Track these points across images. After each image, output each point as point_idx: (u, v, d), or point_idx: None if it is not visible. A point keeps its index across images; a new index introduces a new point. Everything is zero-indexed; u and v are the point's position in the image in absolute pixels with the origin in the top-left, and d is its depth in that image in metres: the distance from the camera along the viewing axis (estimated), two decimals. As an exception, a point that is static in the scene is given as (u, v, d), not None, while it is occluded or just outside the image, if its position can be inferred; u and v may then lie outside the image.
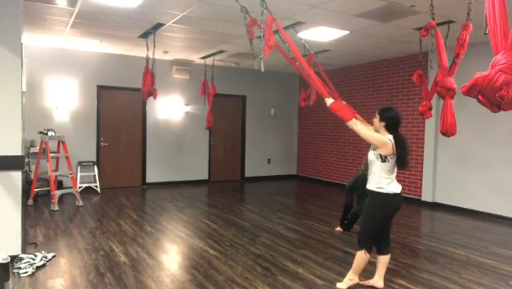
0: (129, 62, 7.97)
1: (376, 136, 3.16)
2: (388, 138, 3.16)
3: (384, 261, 3.40)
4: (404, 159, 3.18)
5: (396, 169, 3.24)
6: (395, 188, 3.21)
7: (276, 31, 3.70)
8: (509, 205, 5.93)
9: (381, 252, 3.40)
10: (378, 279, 3.41)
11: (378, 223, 3.26)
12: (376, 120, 3.25)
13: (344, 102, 4.07)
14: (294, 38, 5.94)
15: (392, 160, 3.16)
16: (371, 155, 3.24)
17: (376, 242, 3.37)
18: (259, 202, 7.12)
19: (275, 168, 10.24)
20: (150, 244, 4.51)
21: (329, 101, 3.17)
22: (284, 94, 10.16)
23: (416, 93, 7.19)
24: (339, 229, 5.24)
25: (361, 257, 3.28)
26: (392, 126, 3.19)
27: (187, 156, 8.93)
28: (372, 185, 3.25)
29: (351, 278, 3.39)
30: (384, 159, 3.15)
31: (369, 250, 3.27)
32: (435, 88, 3.85)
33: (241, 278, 3.54)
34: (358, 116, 3.53)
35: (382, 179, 3.18)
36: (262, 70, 3.82)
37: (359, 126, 3.11)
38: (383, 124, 3.20)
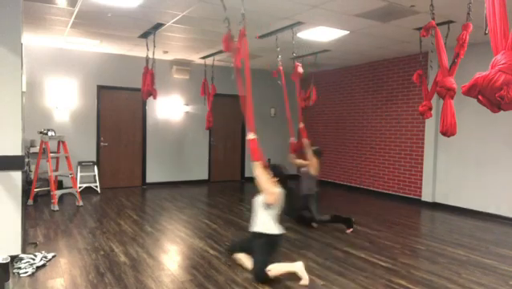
0: (129, 62, 7.97)
1: (269, 186, 3.54)
2: (279, 191, 3.58)
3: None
4: (290, 210, 3.84)
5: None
6: (278, 229, 3.63)
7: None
8: (509, 205, 5.93)
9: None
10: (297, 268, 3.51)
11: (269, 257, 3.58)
12: (270, 177, 3.65)
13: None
14: (293, 38, 5.95)
15: (275, 210, 3.61)
16: (259, 201, 3.64)
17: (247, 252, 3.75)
18: (259, 202, 7.11)
19: (275, 168, 10.22)
20: (150, 244, 4.51)
21: (250, 136, 3.59)
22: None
23: (416, 93, 7.19)
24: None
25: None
26: (282, 181, 3.70)
27: (187, 156, 8.93)
28: (262, 227, 3.60)
29: None
30: (269, 206, 3.57)
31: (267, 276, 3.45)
32: (435, 88, 3.85)
33: (241, 278, 3.54)
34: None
35: (269, 223, 3.59)
36: (232, 77, 4.01)
37: (260, 171, 3.52)
38: (276, 179, 3.66)
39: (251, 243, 3.69)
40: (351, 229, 5.15)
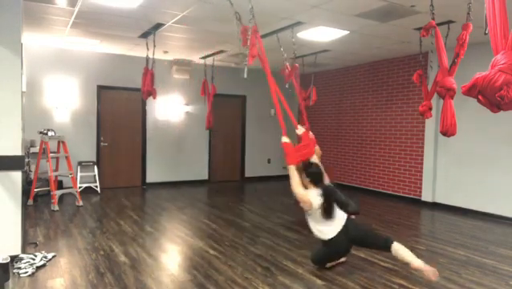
0: (129, 62, 7.97)
1: (301, 192, 3.57)
2: (312, 195, 3.55)
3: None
4: (343, 204, 3.56)
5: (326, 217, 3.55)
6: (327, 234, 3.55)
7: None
8: (509, 205, 5.93)
9: None
10: None
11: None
12: (304, 177, 3.66)
13: (311, 134, 4.44)
14: (292, 38, 5.94)
15: (313, 214, 3.59)
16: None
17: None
18: (259, 202, 7.12)
19: (275, 168, 10.23)
20: (150, 244, 4.51)
21: (284, 139, 3.67)
22: (284, 94, 10.12)
23: (416, 93, 7.19)
24: None
25: None
26: (316, 180, 3.67)
27: (187, 156, 8.93)
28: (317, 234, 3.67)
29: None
30: (307, 212, 3.63)
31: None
32: (435, 88, 3.86)
33: (241, 278, 3.54)
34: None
35: (314, 228, 3.64)
36: (245, 76, 4.04)
37: (293, 174, 3.57)
38: (308, 180, 3.67)
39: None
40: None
